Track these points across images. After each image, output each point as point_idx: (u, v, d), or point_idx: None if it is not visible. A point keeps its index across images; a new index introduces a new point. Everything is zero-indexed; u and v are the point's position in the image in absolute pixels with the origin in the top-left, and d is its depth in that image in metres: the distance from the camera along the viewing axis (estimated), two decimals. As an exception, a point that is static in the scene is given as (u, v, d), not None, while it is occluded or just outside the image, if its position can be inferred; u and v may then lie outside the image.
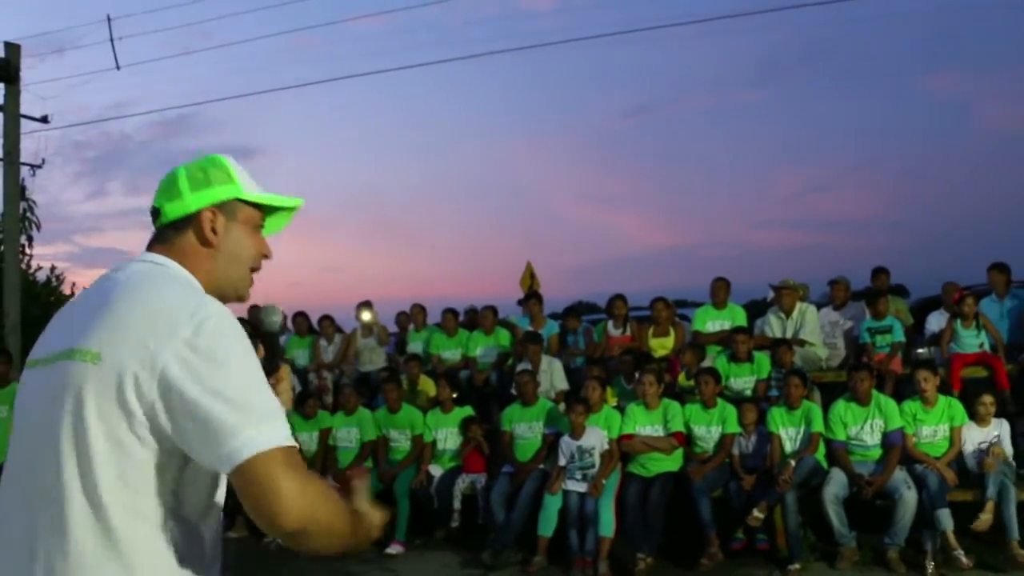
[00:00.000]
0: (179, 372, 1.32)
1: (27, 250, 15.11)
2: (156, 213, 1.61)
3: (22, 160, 13.17)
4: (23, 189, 13.67)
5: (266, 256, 1.70)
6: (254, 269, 1.68)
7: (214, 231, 1.59)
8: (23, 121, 13.07)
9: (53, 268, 15.25)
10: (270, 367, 1.74)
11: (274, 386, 1.73)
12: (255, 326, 1.81)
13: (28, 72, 13.00)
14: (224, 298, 1.59)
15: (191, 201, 1.59)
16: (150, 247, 1.60)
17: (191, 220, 1.59)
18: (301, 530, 1.32)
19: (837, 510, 6.02)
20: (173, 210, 1.59)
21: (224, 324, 1.39)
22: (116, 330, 1.37)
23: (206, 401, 1.31)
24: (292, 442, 1.35)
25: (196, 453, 1.34)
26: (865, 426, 6.34)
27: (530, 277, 11.49)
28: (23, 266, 14.31)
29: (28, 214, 14.84)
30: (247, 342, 1.41)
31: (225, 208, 1.61)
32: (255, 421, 1.32)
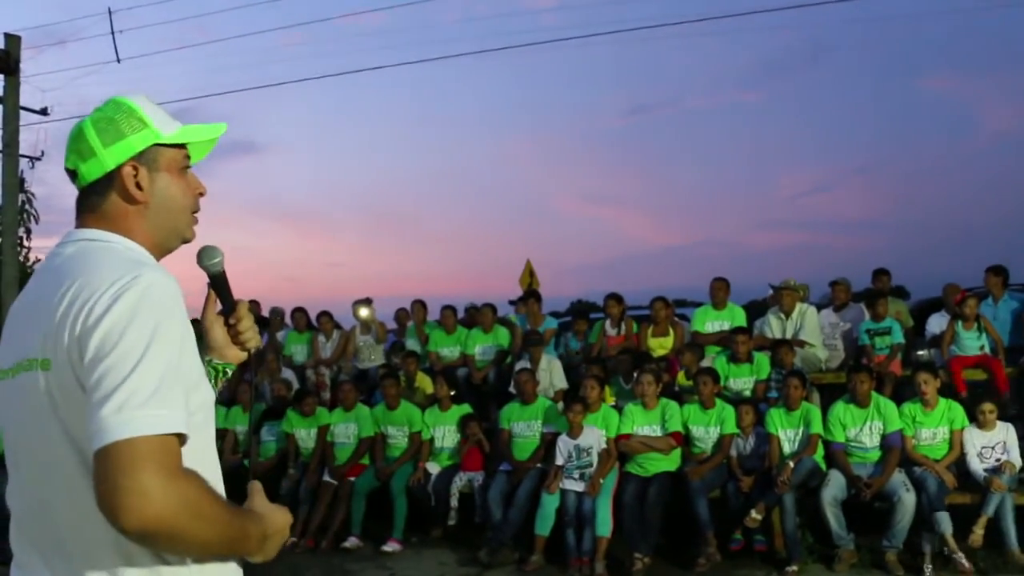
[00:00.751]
0: (92, 350, 1.22)
1: (25, 243, 15.14)
2: (73, 175, 1.48)
3: (21, 152, 13.21)
4: (22, 181, 13.69)
5: (201, 194, 1.58)
6: (193, 211, 1.56)
7: (139, 186, 1.46)
8: (22, 113, 13.11)
9: (50, 261, 15.23)
10: (225, 308, 1.69)
11: (234, 326, 1.70)
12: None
13: (28, 64, 13.03)
14: (169, 248, 1.53)
15: (106, 158, 1.45)
16: (79, 216, 1.48)
17: (111, 179, 1.45)
18: (144, 534, 1.16)
19: (835, 512, 6.01)
20: (89, 171, 1.45)
21: (145, 297, 1.26)
22: (54, 331, 1.28)
23: (95, 375, 1.20)
24: (170, 431, 1.19)
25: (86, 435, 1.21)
26: (864, 428, 6.33)
27: (529, 275, 11.50)
28: (21, 259, 14.31)
29: (27, 206, 14.86)
30: (172, 316, 1.28)
31: (145, 158, 1.47)
32: (134, 403, 1.17)
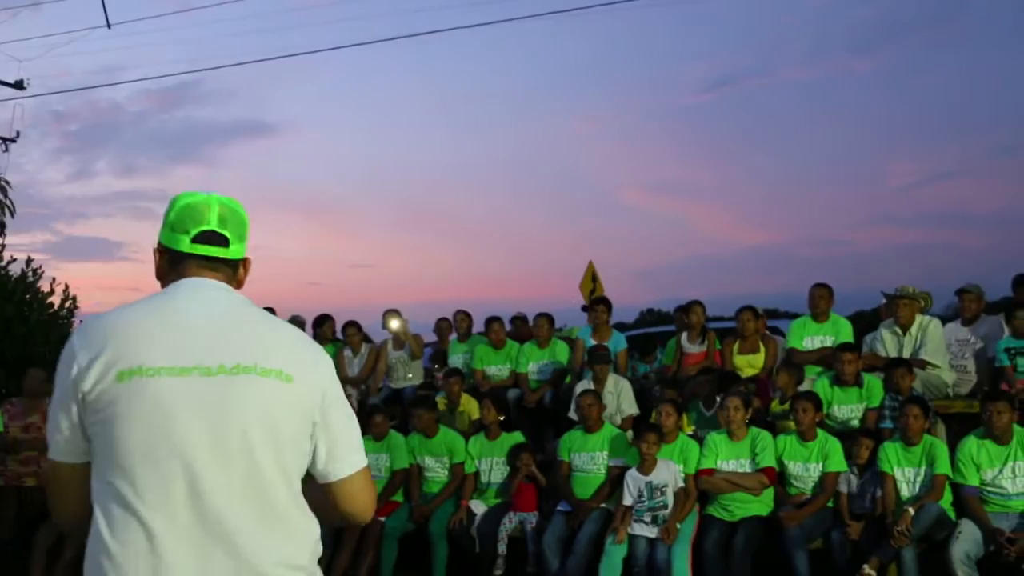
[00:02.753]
0: (333, 395, 2.11)
1: (-1, 239, 15.21)
2: (221, 241, 2.13)
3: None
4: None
5: None
6: None
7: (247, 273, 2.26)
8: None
9: (29, 260, 15.18)
10: None
11: None
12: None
13: (0, 29, 13.28)
14: None
15: (245, 248, 2.20)
16: (215, 271, 2.14)
17: (240, 262, 2.20)
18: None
19: (969, 572, 5.86)
20: (239, 251, 2.17)
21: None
22: (293, 353, 2.06)
23: (345, 423, 2.14)
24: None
25: (321, 461, 2.09)
26: (1004, 469, 6.19)
27: (592, 280, 11.51)
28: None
29: (1, 197, 14.99)
30: None
31: None
32: (357, 447, 2.18)
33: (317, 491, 2.11)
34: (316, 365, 2.09)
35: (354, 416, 2.16)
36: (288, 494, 2.00)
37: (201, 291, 2.08)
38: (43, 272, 15.08)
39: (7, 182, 15.13)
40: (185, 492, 1.89)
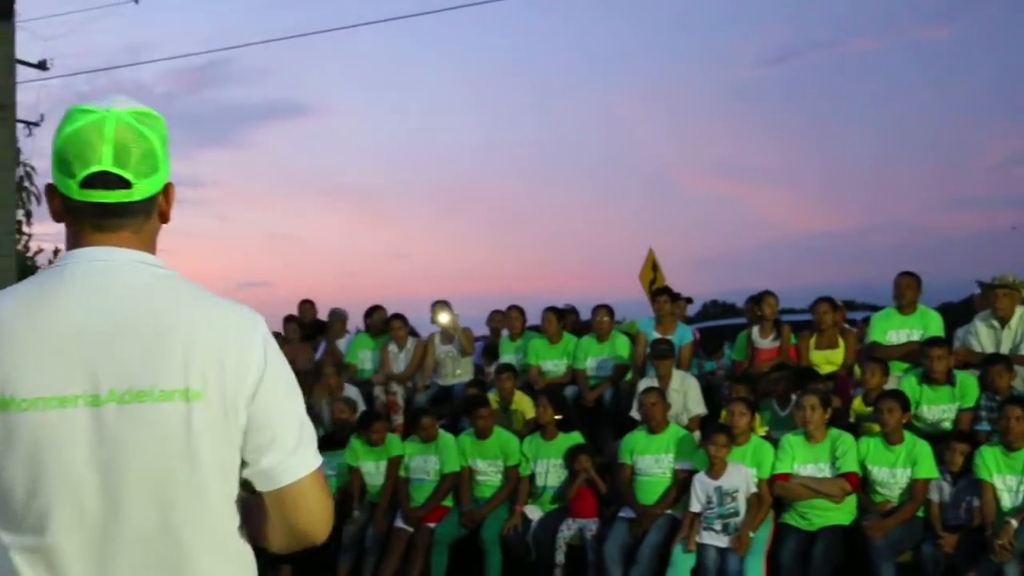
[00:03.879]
0: (268, 385, 1.71)
1: (24, 228, 15.55)
2: (119, 183, 1.70)
3: (17, 116, 13.73)
4: (18, 151, 14.18)
5: None
6: None
7: (171, 205, 1.83)
8: (18, 68, 13.64)
9: (56, 251, 15.74)
10: None
11: None
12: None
13: (21, 5, 13.56)
14: None
15: (162, 176, 1.76)
16: (110, 230, 1.73)
17: (156, 197, 1.77)
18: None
19: (1078, 590, 5.81)
20: (151, 187, 1.74)
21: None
22: (207, 351, 1.66)
23: (284, 415, 1.76)
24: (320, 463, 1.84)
25: (258, 466, 1.72)
26: (1122, 478, 6.10)
27: (652, 269, 11.51)
28: (20, 247, 14.81)
29: (26, 183, 15.25)
30: None
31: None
32: (306, 442, 1.79)
33: (254, 507, 1.78)
34: (238, 353, 1.68)
35: (298, 397, 1.79)
36: (211, 556, 1.70)
37: (93, 270, 1.68)
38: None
39: (32, 168, 15.45)
40: (81, 558, 1.61)
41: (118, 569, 1.62)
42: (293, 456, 1.72)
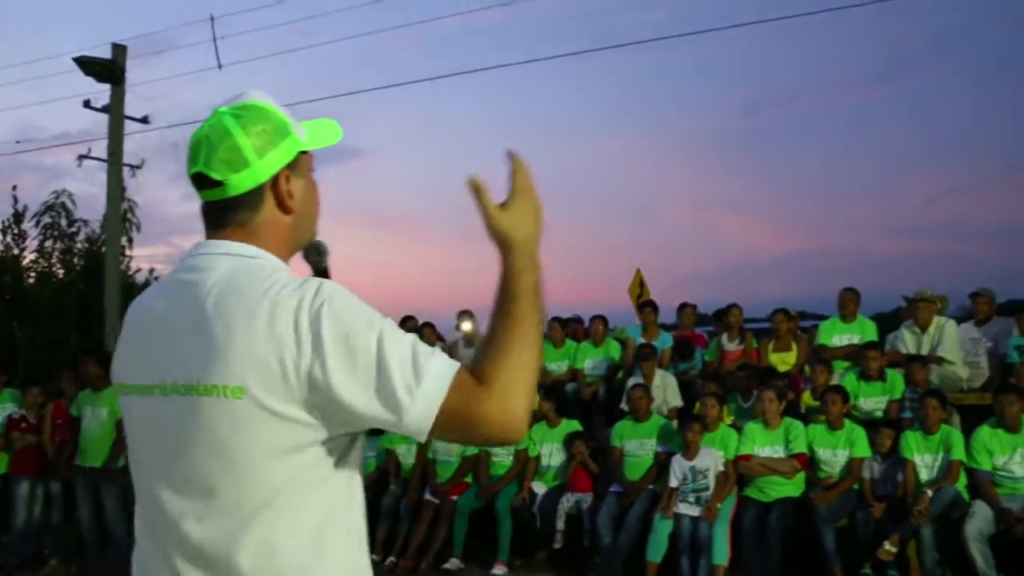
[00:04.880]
0: (333, 372, 1.32)
1: (127, 251, 15.95)
2: (208, 183, 1.49)
3: (123, 160, 14.10)
4: (124, 189, 14.53)
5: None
6: None
7: (291, 195, 1.52)
8: (125, 122, 13.98)
9: (152, 270, 16.11)
10: None
11: None
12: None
13: (131, 73, 13.90)
14: (295, 252, 1.61)
15: (261, 169, 1.48)
16: (218, 228, 1.51)
17: (262, 190, 1.49)
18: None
19: (982, 548, 5.83)
20: (241, 182, 1.47)
21: (338, 297, 1.37)
22: (248, 356, 1.34)
23: (385, 363, 1.33)
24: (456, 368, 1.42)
25: (395, 432, 1.39)
26: (1015, 456, 6.16)
27: (639, 285, 11.53)
28: (123, 267, 15.14)
29: (128, 215, 15.67)
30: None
31: (293, 166, 1.53)
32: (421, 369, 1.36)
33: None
34: (277, 349, 1.33)
35: (375, 340, 1.32)
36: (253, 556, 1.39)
37: (194, 266, 1.48)
38: (163, 280, 15.72)
39: (134, 202, 15.86)
40: (160, 524, 1.46)
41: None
42: (415, 404, 1.30)
